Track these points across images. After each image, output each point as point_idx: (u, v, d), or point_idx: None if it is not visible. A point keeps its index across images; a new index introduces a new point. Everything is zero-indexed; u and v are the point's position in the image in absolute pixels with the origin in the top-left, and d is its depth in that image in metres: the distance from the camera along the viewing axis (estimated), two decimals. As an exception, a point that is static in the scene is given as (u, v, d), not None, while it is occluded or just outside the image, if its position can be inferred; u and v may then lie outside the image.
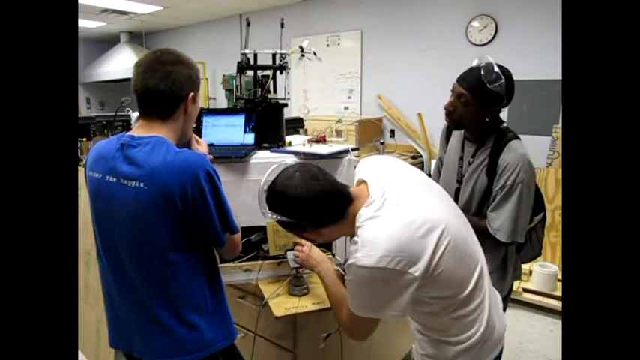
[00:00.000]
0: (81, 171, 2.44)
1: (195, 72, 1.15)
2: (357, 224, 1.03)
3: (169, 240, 1.06)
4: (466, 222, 1.14)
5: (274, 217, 1.06)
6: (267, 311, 1.45)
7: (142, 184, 1.02)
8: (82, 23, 6.12)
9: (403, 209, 1.01)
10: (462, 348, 1.07)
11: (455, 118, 1.52)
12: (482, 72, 1.41)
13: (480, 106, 1.46)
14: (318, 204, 1.03)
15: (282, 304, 1.45)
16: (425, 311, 1.07)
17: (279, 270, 1.60)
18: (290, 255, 1.47)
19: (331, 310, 1.32)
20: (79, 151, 3.04)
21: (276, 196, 1.06)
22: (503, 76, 1.40)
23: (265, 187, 1.09)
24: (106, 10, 5.38)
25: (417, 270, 0.95)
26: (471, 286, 1.05)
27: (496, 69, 1.41)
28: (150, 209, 1.03)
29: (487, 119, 1.49)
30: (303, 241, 1.46)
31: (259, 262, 1.57)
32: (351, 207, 1.06)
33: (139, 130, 1.12)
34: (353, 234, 1.05)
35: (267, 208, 1.08)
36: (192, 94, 1.13)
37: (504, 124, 1.55)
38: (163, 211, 1.03)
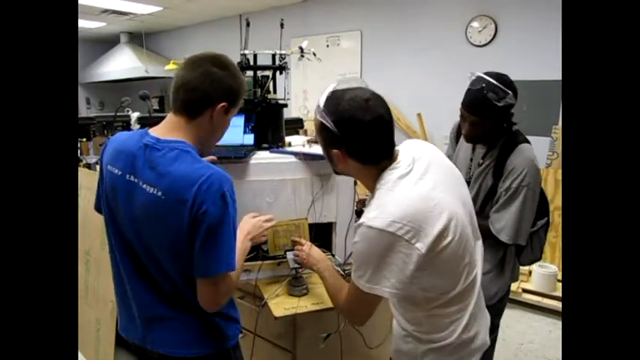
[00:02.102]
0: (81, 171, 2.45)
1: (237, 85, 1.11)
2: (378, 185, 1.03)
3: (178, 245, 1.05)
4: (478, 233, 1.14)
5: (323, 118, 1.02)
6: (267, 311, 1.44)
7: (159, 192, 1.00)
8: (82, 23, 6.12)
9: (425, 185, 1.01)
10: (431, 347, 1.08)
11: (477, 139, 1.56)
12: (487, 94, 1.42)
13: (497, 123, 1.49)
14: (369, 131, 1.00)
15: (282, 305, 1.45)
16: (407, 297, 1.07)
17: (279, 270, 1.60)
18: (290, 255, 1.47)
19: (331, 310, 1.32)
20: (78, 151, 3.04)
21: (342, 100, 1.02)
22: (508, 89, 1.41)
23: (335, 88, 1.06)
24: (105, 11, 5.38)
25: (423, 247, 0.95)
26: (458, 289, 1.04)
27: (498, 85, 1.41)
28: (164, 217, 1.01)
29: (505, 125, 1.53)
30: (303, 241, 1.46)
31: (259, 262, 1.57)
32: (386, 161, 1.05)
33: (162, 127, 1.09)
34: (370, 189, 1.06)
35: (322, 106, 1.04)
36: (224, 104, 1.08)
37: (516, 126, 1.57)
38: (174, 219, 1.01)
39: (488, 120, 1.47)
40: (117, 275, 1.17)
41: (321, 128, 1.05)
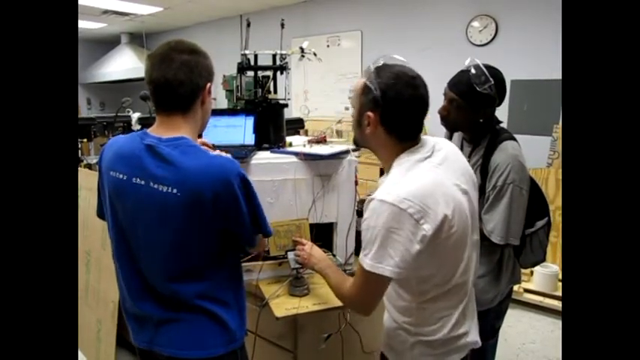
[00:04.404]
0: (82, 172, 2.45)
1: (210, 62, 1.13)
2: (396, 164, 1.07)
3: (195, 243, 1.05)
4: (477, 231, 1.15)
5: (370, 79, 1.05)
6: (268, 312, 1.44)
7: (174, 190, 1.00)
8: (83, 24, 6.13)
9: (439, 174, 1.05)
10: (420, 340, 1.11)
11: (449, 122, 1.57)
12: (471, 76, 1.44)
13: (472, 110, 1.49)
14: (408, 105, 1.05)
15: (283, 305, 1.45)
16: (403, 285, 1.10)
17: (280, 270, 1.60)
18: (291, 255, 1.46)
19: (332, 311, 1.32)
20: (79, 152, 3.05)
21: (393, 68, 1.06)
22: (492, 78, 1.43)
23: (385, 61, 1.10)
24: (106, 12, 5.38)
25: (430, 229, 0.97)
26: (453, 283, 1.07)
27: (485, 71, 1.44)
28: (179, 214, 1.01)
29: (481, 120, 1.52)
30: (304, 241, 1.46)
31: (260, 262, 1.57)
32: (408, 143, 1.09)
33: (159, 128, 1.08)
34: (386, 166, 1.11)
35: (373, 68, 1.07)
36: (209, 84, 1.11)
37: (501, 124, 1.57)
38: (192, 216, 1.01)
39: (462, 100, 1.47)
40: (122, 284, 1.16)
41: (363, 90, 1.08)
